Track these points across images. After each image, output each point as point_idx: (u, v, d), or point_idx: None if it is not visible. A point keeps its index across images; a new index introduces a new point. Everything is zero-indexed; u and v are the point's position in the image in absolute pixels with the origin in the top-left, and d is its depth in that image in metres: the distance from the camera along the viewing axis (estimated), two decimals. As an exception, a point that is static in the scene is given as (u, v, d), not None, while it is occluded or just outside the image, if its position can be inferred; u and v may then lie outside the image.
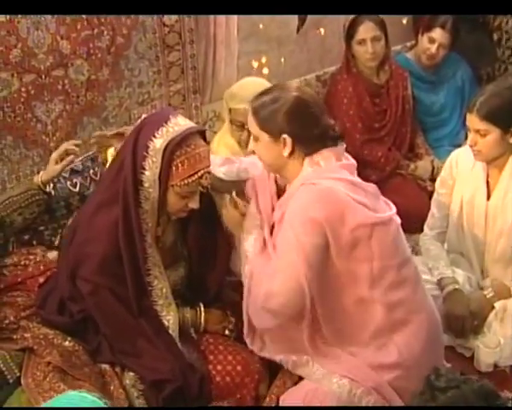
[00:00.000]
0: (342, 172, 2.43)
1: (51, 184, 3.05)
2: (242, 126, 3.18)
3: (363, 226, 2.34)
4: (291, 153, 2.41)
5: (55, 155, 2.93)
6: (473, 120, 2.89)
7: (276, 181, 2.60)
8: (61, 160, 2.88)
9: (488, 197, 3.02)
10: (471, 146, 2.94)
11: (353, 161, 2.54)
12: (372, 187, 2.50)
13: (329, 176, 2.38)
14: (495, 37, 4.65)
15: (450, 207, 3.16)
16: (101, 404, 1.59)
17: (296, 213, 2.35)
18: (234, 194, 2.59)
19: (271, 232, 2.51)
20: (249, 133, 3.12)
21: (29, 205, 2.92)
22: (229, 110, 3.24)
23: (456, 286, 3.01)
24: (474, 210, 3.05)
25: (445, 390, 1.52)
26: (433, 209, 3.26)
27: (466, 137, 4.24)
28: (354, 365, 2.45)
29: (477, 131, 2.89)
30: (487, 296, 2.99)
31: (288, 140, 2.39)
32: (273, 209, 2.54)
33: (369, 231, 2.35)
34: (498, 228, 3.00)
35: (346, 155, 2.54)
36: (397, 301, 2.43)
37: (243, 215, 2.58)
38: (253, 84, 3.33)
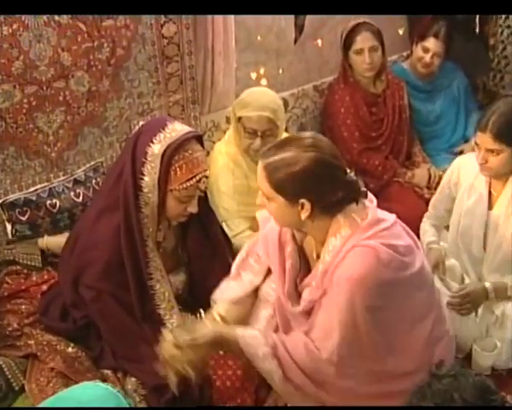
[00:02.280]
0: (381, 222, 2.25)
1: (56, 195, 3.12)
2: (255, 134, 3.24)
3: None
4: (310, 215, 2.19)
5: None
6: (486, 140, 2.86)
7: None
8: None
9: (490, 208, 3.03)
10: (481, 164, 2.92)
11: (372, 198, 2.36)
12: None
13: (380, 237, 2.18)
14: (490, 45, 4.69)
15: (451, 217, 3.18)
16: (113, 391, 1.66)
17: (362, 276, 2.13)
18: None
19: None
20: (262, 141, 3.20)
21: (24, 264, 3.00)
22: (239, 119, 3.29)
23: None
24: (475, 220, 3.05)
25: (441, 378, 1.53)
26: (430, 209, 3.37)
27: (465, 142, 4.35)
28: None
29: (489, 150, 2.87)
30: (485, 286, 2.98)
31: (307, 205, 2.17)
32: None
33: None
34: (499, 238, 3.00)
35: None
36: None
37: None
38: (265, 94, 3.41)
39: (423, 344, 2.32)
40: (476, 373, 1.57)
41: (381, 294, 2.17)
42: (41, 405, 1.78)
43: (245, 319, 2.55)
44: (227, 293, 2.58)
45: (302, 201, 2.16)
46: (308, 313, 2.35)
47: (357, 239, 2.17)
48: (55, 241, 3.06)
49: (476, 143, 2.94)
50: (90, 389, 1.66)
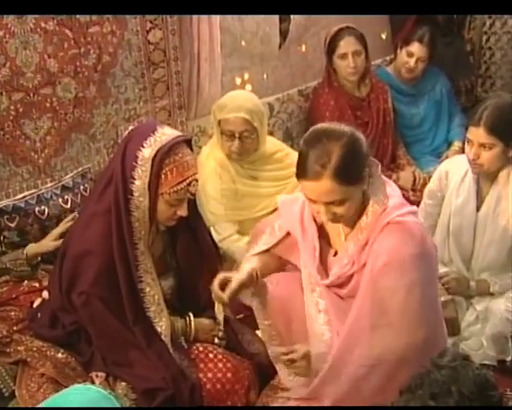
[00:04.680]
0: (404, 204, 2.40)
1: (45, 201, 3.12)
2: (233, 136, 3.26)
3: None
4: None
5: (56, 231, 3.01)
6: (479, 134, 2.89)
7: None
8: (61, 237, 2.93)
9: (478, 208, 3.05)
10: (473, 160, 2.94)
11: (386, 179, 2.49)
12: None
13: (403, 210, 2.33)
14: (474, 50, 4.76)
15: (439, 218, 3.19)
16: (105, 393, 1.66)
17: (400, 250, 2.26)
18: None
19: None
20: (240, 143, 3.24)
21: (14, 271, 2.99)
22: (219, 122, 3.30)
23: None
24: (464, 220, 3.08)
25: (441, 368, 1.52)
26: (420, 218, 3.31)
27: (448, 148, 4.39)
28: None
29: (482, 145, 2.90)
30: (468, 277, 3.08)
31: (367, 172, 2.29)
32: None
33: None
34: (488, 238, 3.03)
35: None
36: None
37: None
38: (242, 95, 3.44)
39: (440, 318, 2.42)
40: (478, 367, 1.55)
41: (417, 267, 2.27)
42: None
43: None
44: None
45: (365, 173, 2.27)
46: (340, 286, 2.47)
47: (390, 216, 2.29)
48: (33, 247, 3.05)
49: (468, 140, 2.96)
50: (83, 393, 1.67)
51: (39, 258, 3.01)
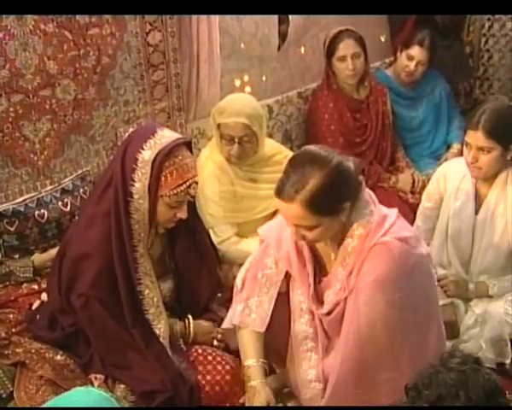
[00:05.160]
0: (387, 217, 2.33)
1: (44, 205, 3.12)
2: (232, 140, 3.25)
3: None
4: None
5: None
6: (477, 138, 2.89)
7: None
8: None
9: (476, 211, 3.06)
10: (472, 163, 2.95)
11: (371, 193, 2.43)
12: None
13: (392, 233, 2.27)
14: (472, 53, 4.76)
15: (438, 220, 3.19)
16: (107, 396, 1.66)
17: (385, 273, 2.24)
18: None
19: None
20: (240, 147, 3.22)
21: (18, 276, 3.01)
22: (218, 125, 3.29)
23: None
24: (462, 223, 3.08)
25: (451, 370, 1.50)
26: (418, 221, 3.30)
27: (447, 150, 4.40)
28: None
29: (480, 149, 2.90)
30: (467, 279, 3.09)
31: (347, 205, 2.24)
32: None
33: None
34: (486, 241, 3.04)
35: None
36: None
37: None
38: (242, 99, 3.42)
39: (435, 339, 2.38)
40: (488, 371, 1.53)
41: (404, 285, 2.26)
42: None
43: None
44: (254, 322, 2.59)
45: (343, 206, 2.23)
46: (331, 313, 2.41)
47: (375, 238, 2.25)
48: (41, 257, 3.06)
49: (466, 143, 2.96)
50: (84, 395, 1.67)
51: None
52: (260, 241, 2.63)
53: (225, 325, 2.67)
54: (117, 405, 1.67)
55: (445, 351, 1.58)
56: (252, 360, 2.53)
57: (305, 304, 2.47)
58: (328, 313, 2.39)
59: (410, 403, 1.53)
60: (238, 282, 2.61)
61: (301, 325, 2.50)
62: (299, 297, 2.49)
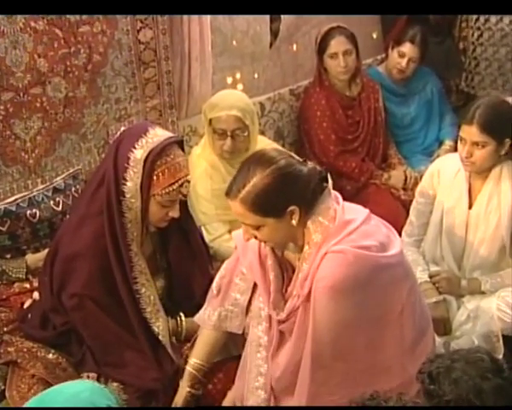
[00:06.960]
0: (348, 223, 2.25)
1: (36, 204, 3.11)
2: (225, 134, 3.24)
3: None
4: (299, 219, 2.22)
5: None
6: (472, 132, 2.89)
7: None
8: None
9: (470, 206, 3.06)
10: (466, 158, 2.94)
11: (338, 196, 2.36)
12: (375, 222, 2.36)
13: (350, 241, 2.20)
14: (461, 46, 4.76)
15: (431, 216, 3.19)
16: (100, 386, 1.70)
17: (336, 282, 2.18)
18: None
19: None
20: (232, 141, 3.21)
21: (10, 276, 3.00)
22: (210, 121, 3.28)
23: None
24: (456, 218, 3.08)
25: (479, 377, 1.48)
26: (412, 217, 3.29)
27: (439, 147, 4.41)
28: None
29: (475, 143, 2.90)
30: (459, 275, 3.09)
31: (295, 209, 2.19)
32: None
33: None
34: (480, 236, 3.04)
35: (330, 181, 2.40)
36: None
37: None
38: (233, 94, 3.44)
39: (410, 337, 2.35)
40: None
41: (356, 295, 2.20)
42: (28, 403, 1.78)
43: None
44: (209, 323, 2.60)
45: (290, 209, 2.19)
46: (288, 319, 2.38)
47: (329, 245, 2.20)
48: (34, 257, 3.05)
49: (461, 138, 2.97)
50: (78, 384, 1.74)
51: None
52: (235, 246, 2.61)
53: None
54: (110, 395, 1.69)
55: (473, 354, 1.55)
56: (193, 360, 2.58)
57: (264, 312, 2.46)
58: (285, 320, 2.37)
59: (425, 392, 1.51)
60: (214, 287, 2.60)
61: (258, 331, 2.48)
62: (260, 304, 2.48)
